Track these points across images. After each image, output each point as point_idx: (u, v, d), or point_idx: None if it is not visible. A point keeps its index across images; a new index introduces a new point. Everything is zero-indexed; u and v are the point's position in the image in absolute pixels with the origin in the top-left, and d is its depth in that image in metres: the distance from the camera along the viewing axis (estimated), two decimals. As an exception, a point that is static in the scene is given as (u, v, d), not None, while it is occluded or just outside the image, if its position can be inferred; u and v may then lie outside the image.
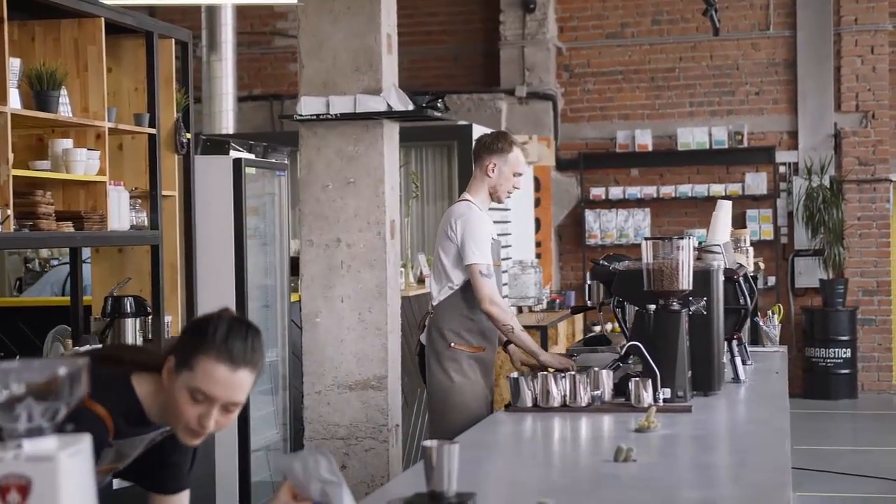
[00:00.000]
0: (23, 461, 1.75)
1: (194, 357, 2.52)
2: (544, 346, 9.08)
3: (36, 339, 5.99)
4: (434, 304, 5.28)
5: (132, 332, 5.50)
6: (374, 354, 5.97)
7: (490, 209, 5.34)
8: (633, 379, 4.21)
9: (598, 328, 11.89)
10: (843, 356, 11.99)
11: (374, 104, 5.99)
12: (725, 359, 4.85)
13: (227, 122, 10.30)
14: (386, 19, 6.20)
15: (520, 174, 5.30)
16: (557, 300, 11.34)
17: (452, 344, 5.17)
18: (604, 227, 12.75)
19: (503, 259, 10.43)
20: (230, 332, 2.53)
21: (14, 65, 4.80)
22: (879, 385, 12.34)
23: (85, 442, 1.82)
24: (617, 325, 12.18)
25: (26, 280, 8.76)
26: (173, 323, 5.86)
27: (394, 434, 5.74)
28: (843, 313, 12.03)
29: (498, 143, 5.28)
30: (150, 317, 5.60)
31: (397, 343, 6.23)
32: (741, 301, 5.01)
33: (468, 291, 5.15)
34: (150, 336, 5.64)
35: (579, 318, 11.28)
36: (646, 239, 4.46)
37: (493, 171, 5.25)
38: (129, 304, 5.47)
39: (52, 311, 6.16)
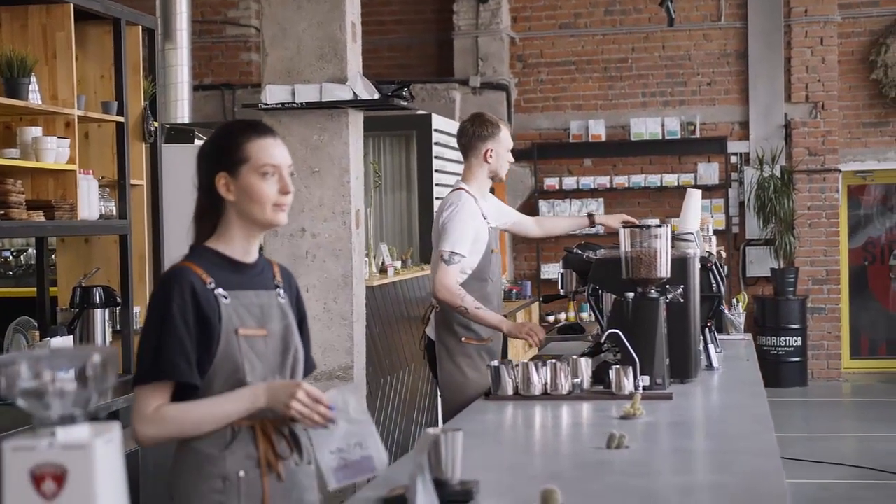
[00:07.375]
0: (57, 449, 1.72)
1: (240, 151, 2.81)
2: (504, 336, 9.05)
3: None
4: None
5: (101, 322, 5.41)
6: (340, 344, 5.95)
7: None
8: (613, 367, 4.23)
9: (563, 316, 11.95)
10: (794, 344, 12.13)
11: (341, 93, 5.96)
12: (700, 346, 4.89)
13: (182, 112, 10.17)
14: (350, 7, 6.17)
15: (511, 147, 5.43)
16: (514, 290, 11.38)
17: (463, 339, 5.12)
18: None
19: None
20: (245, 122, 2.89)
21: (-18, 51, 4.73)
22: (829, 373, 12.51)
23: (115, 430, 1.80)
24: (573, 314, 12.20)
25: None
26: (142, 313, 5.79)
27: (359, 424, 5.71)
28: (794, 302, 12.17)
29: (488, 128, 5.31)
30: (118, 307, 5.53)
31: (362, 333, 6.20)
32: (714, 288, 5.04)
33: (473, 283, 5.09)
34: (118, 327, 5.57)
35: (535, 307, 11.32)
36: (624, 226, 4.47)
37: (491, 156, 5.30)
38: (97, 295, 5.37)
39: (17, 302, 6.06)
